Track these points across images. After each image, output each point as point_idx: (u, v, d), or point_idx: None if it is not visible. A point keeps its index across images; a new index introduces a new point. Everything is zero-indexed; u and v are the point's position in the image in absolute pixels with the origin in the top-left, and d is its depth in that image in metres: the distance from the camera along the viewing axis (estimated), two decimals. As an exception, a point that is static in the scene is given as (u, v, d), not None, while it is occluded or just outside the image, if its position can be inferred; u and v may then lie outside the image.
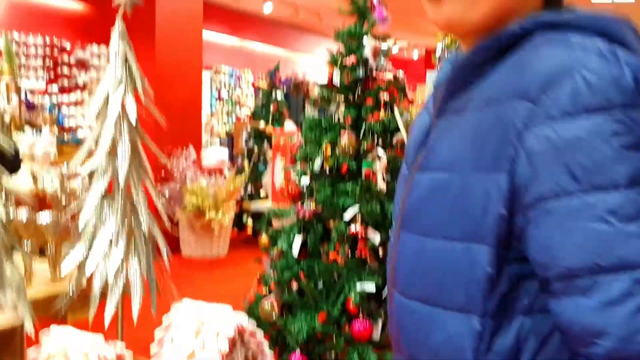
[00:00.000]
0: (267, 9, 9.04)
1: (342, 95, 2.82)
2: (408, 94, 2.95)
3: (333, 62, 2.80)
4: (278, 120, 6.75)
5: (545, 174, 0.64)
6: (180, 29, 6.23)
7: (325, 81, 2.81)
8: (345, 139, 2.73)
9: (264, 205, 5.93)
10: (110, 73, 1.49)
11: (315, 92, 2.90)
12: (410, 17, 10.98)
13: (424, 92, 3.63)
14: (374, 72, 2.83)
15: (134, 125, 1.52)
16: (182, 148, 5.98)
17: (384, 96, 2.79)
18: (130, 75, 1.48)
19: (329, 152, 2.76)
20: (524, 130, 0.65)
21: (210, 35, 9.32)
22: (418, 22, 11.26)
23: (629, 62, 0.63)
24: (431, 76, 3.51)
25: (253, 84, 10.51)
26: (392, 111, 2.80)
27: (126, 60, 1.48)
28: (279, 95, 6.89)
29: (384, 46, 2.84)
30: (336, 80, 2.75)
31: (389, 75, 2.88)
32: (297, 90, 9.17)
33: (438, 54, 4.18)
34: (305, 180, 2.75)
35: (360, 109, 2.80)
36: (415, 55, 14.46)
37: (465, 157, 0.72)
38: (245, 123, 7.57)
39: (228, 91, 10.18)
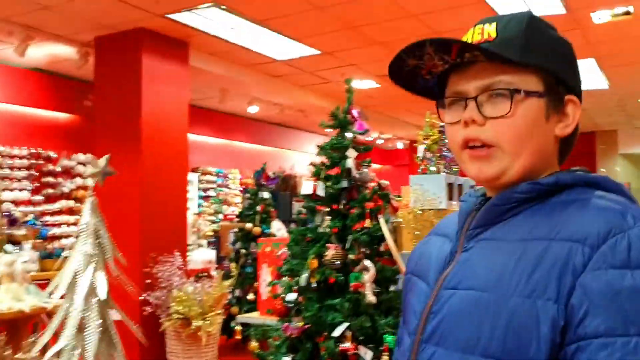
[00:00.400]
0: (253, 110, 9.25)
1: (327, 207, 2.80)
2: (392, 200, 2.94)
3: (316, 174, 2.80)
4: (265, 221, 6.71)
5: (604, 312, 0.71)
6: (166, 133, 6.30)
7: (309, 191, 2.79)
8: (332, 251, 2.69)
9: (251, 317, 5.76)
10: (80, 249, 1.45)
11: (301, 188, 2.86)
12: (396, 112, 11.32)
13: (408, 195, 3.63)
14: (358, 182, 2.83)
15: (104, 300, 1.45)
16: (167, 253, 5.88)
17: (369, 205, 2.78)
18: (101, 248, 1.44)
19: (315, 265, 2.70)
20: (583, 270, 0.74)
21: (196, 138, 9.47)
22: (403, 117, 11.56)
23: None
24: (416, 180, 3.52)
25: (241, 182, 10.56)
26: (378, 220, 2.78)
27: (97, 234, 1.45)
28: (266, 195, 6.88)
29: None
30: (320, 192, 2.73)
31: (373, 184, 2.88)
32: (285, 186, 9.20)
33: (420, 154, 4.23)
34: (292, 296, 2.67)
35: (346, 219, 2.77)
36: (400, 145, 14.75)
37: (508, 280, 0.78)
38: (231, 224, 7.50)
39: (215, 190, 10.20)
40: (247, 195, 6.98)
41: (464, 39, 0.89)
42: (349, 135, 2.87)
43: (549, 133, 0.87)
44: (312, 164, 2.86)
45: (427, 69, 0.92)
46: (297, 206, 6.83)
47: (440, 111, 0.94)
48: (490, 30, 0.87)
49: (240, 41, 6.57)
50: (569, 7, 5.67)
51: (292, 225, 2.87)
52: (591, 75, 8.39)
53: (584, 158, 14.35)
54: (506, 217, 0.85)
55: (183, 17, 5.92)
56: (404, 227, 3.41)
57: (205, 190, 10.07)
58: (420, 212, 3.33)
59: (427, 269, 0.93)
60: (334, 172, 2.81)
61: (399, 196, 4.25)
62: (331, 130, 2.92)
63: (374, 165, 14.55)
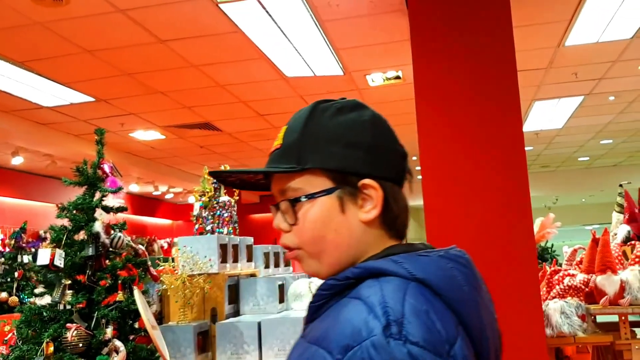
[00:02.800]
0: (17, 161, 8.19)
1: (70, 279, 2.36)
2: (152, 266, 2.59)
3: (55, 240, 2.35)
4: (25, 290, 5.80)
5: None
6: None
7: (45, 261, 2.33)
8: (73, 331, 2.24)
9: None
10: None
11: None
12: (184, 165, 10.94)
13: (177, 252, 3.31)
14: (109, 249, 2.44)
15: None
16: None
17: (123, 274, 2.41)
18: None
19: (51, 350, 2.22)
20: None
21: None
22: (193, 170, 11.22)
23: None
24: (184, 241, 3.21)
25: (3, 243, 9.20)
26: (132, 292, 2.41)
27: None
28: (27, 259, 5.99)
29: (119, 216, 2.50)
30: (58, 262, 2.29)
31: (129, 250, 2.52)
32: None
33: (195, 212, 3.95)
34: (17, 394, 2.15)
35: (92, 293, 2.35)
36: (192, 199, 14.33)
37: None
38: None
39: (-31, 253, 8.73)
40: (2, 259, 6.01)
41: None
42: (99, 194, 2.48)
43: (352, 222, 0.87)
44: (51, 228, 2.41)
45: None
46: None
47: None
48: (280, 136, 0.91)
49: (-4, 83, 5.76)
50: (347, 69, 5.96)
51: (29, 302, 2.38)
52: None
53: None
54: (320, 314, 0.84)
55: None
56: (170, 295, 3.06)
57: (-44, 253, 8.57)
58: (189, 277, 3.02)
59: None
60: (79, 237, 2.39)
61: (167, 259, 3.90)
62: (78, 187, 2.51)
63: (165, 221, 13.87)
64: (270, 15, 4.57)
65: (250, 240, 3.87)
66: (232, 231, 3.68)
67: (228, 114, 7.37)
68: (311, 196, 0.86)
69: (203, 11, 4.47)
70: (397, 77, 6.44)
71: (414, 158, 11.25)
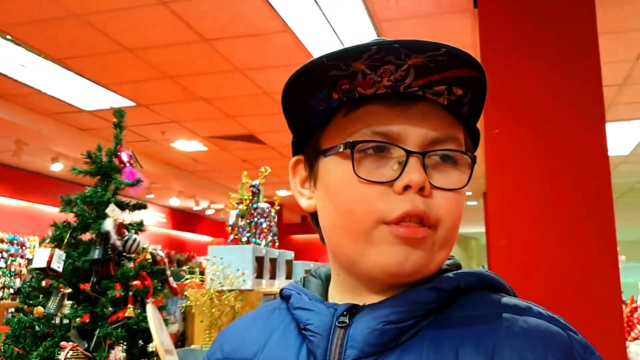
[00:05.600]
0: (57, 167, 8.00)
1: (70, 286, 1.94)
2: (170, 279, 2.15)
3: (55, 239, 1.95)
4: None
5: None
6: None
7: (42, 264, 1.92)
8: (69, 352, 1.82)
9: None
10: None
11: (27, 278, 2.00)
12: (227, 179, 10.62)
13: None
14: (119, 253, 2.02)
15: None
16: None
17: (137, 285, 1.98)
18: None
19: (42, 375, 1.80)
20: None
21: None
22: (236, 185, 10.91)
23: None
24: (215, 251, 2.78)
25: (39, 252, 9.03)
26: (144, 307, 1.97)
27: None
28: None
29: (136, 216, 2.08)
30: (56, 265, 1.88)
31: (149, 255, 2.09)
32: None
33: (231, 221, 3.52)
34: None
35: (96, 306, 1.93)
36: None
37: None
38: (13, 302, 6.13)
39: (5, 261, 8.59)
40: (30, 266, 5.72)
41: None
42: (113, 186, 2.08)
43: None
44: (54, 224, 2.01)
45: (350, 86, 0.58)
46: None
47: (329, 159, 0.61)
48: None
49: (34, 82, 5.53)
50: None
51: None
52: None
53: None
54: (403, 340, 0.58)
55: (-44, 45, 4.81)
56: (195, 313, 2.62)
57: (-7, 260, 8.43)
58: (218, 293, 2.57)
59: None
60: (86, 237, 1.98)
61: (203, 273, 3.47)
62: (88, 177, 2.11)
63: (205, 238, 13.61)
64: (321, 10, 4.18)
65: (290, 254, 3.40)
66: (270, 243, 3.22)
67: (273, 126, 6.99)
68: (474, 161, 0.62)
69: (250, 6, 4.12)
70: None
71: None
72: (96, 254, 1.92)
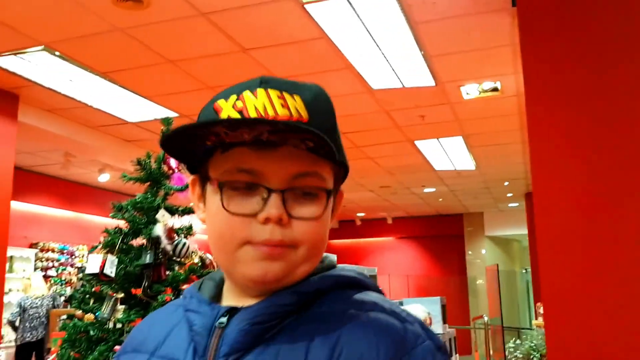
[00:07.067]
0: (103, 179, 8.24)
1: (122, 291, 2.01)
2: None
3: (108, 245, 2.01)
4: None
5: None
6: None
7: (95, 269, 1.99)
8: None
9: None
10: None
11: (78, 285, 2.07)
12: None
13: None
14: (171, 257, 2.08)
15: None
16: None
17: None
18: None
19: (97, 376, 1.86)
20: None
21: (35, 208, 8.23)
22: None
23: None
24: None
25: (88, 261, 9.29)
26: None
27: None
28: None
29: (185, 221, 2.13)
30: (108, 270, 1.94)
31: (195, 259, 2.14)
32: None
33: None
34: None
35: (148, 310, 1.99)
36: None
37: None
38: (64, 309, 6.32)
39: (57, 270, 8.86)
40: (81, 274, 5.90)
41: (231, 103, 0.68)
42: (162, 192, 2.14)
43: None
44: (106, 230, 2.08)
45: (218, 139, 0.67)
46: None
47: (211, 188, 0.71)
48: (298, 106, 0.69)
49: (81, 96, 5.72)
50: (439, 80, 5.49)
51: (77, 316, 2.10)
52: (459, 154, 8.38)
53: (453, 240, 14.53)
54: (268, 337, 0.68)
55: (8, 62, 5.01)
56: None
57: (45, 269, 8.71)
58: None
59: None
60: (137, 242, 2.05)
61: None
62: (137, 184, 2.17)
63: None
64: (358, 15, 4.20)
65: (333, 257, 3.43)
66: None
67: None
68: (336, 191, 0.75)
69: (288, 14, 4.17)
70: (495, 89, 5.87)
71: (506, 184, 10.34)
72: (147, 258, 1.98)
